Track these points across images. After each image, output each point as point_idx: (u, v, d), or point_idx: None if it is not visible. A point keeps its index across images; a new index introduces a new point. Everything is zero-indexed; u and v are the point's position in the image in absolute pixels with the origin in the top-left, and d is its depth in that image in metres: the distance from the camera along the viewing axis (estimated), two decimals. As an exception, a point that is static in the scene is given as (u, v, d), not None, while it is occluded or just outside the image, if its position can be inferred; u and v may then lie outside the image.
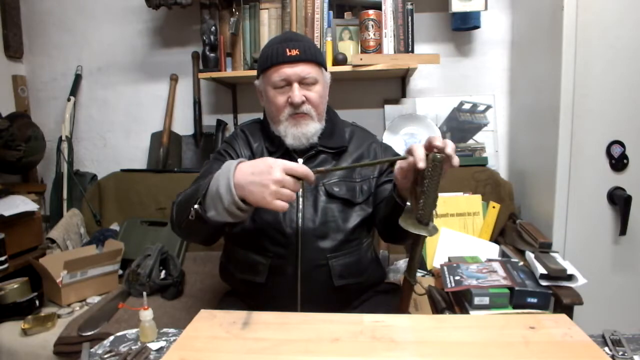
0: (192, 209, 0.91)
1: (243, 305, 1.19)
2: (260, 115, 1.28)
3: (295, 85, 1.10)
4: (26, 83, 2.26)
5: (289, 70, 1.10)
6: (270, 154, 1.17)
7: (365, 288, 1.22)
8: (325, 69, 1.21)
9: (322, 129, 1.17)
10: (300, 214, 1.12)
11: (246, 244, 1.16)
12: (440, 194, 1.75)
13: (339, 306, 1.16)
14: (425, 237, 0.91)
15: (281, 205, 0.84)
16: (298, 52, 1.10)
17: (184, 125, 2.19)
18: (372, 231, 1.29)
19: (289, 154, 1.16)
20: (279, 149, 1.17)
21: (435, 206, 0.91)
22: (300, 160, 1.15)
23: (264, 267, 1.12)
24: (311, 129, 1.13)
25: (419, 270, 1.70)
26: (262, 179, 0.84)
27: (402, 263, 1.65)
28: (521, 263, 1.40)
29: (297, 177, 0.85)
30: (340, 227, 1.13)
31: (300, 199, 1.13)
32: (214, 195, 0.88)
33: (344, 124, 1.29)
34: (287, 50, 1.09)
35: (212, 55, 1.88)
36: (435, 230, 0.91)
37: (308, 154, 1.17)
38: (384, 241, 1.39)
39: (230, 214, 0.88)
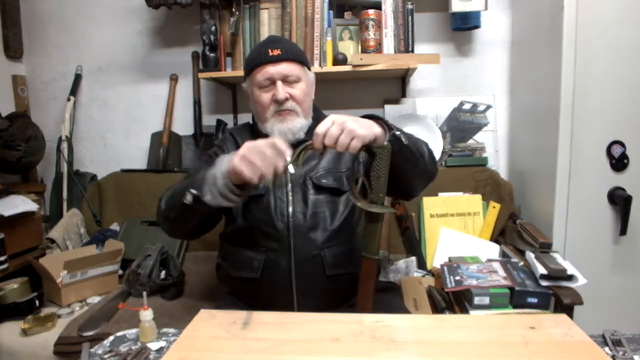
0: (189, 192, 0.97)
1: (242, 305, 1.20)
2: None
3: (279, 83, 1.16)
4: (26, 83, 2.26)
5: (272, 69, 1.16)
6: None
7: None
8: (309, 69, 1.26)
9: (308, 125, 1.21)
10: (290, 208, 1.15)
11: (240, 242, 1.19)
12: (440, 194, 1.80)
13: (336, 299, 1.18)
14: (382, 214, 0.97)
15: (246, 172, 0.89)
16: (280, 52, 1.17)
17: (184, 125, 2.19)
18: None
19: None
20: None
21: (385, 190, 0.96)
22: (288, 157, 1.17)
23: (258, 262, 1.14)
24: (297, 124, 1.18)
25: (419, 270, 1.70)
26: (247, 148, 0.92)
27: (402, 263, 1.65)
28: (521, 263, 1.40)
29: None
30: (330, 217, 1.17)
31: (290, 194, 1.16)
32: (211, 181, 0.95)
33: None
34: (270, 50, 1.17)
35: (212, 55, 1.88)
36: (388, 209, 0.99)
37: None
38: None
39: (225, 197, 0.94)
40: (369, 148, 0.93)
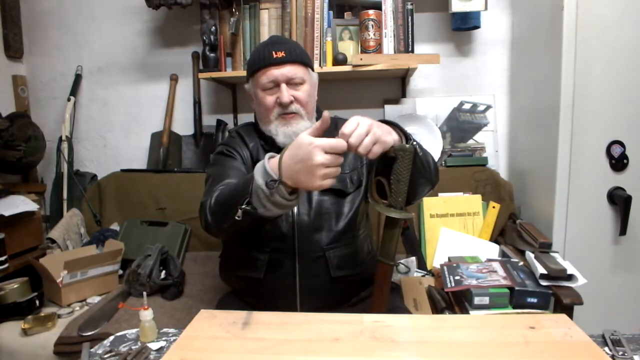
0: (239, 209, 0.91)
1: (243, 305, 1.20)
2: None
3: (283, 86, 1.14)
4: (26, 83, 2.26)
5: (277, 72, 1.14)
6: (266, 152, 1.19)
7: (364, 281, 1.23)
8: (312, 69, 1.25)
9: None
10: (295, 209, 1.14)
11: (244, 241, 1.18)
12: (440, 194, 1.80)
13: (339, 300, 1.18)
14: (400, 220, 0.95)
15: (329, 182, 0.85)
16: (284, 54, 1.15)
17: (184, 125, 2.19)
18: (368, 224, 1.31)
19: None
20: (273, 148, 1.20)
21: (405, 195, 0.95)
22: None
23: (262, 262, 1.14)
24: (301, 127, 1.16)
25: (419, 270, 1.70)
26: (306, 165, 0.83)
27: (402, 263, 1.65)
28: (521, 263, 1.40)
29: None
30: (335, 219, 1.16)
31: None
32: (259, 193, 0.88)
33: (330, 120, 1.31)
34: (274, 53, 1.15)
35: (212, 55, 1.88)
36: (408, 214, 0.96)
37: None
38: None
39: (278, 205, 0.89)
40: (385, 153, 0.91)
